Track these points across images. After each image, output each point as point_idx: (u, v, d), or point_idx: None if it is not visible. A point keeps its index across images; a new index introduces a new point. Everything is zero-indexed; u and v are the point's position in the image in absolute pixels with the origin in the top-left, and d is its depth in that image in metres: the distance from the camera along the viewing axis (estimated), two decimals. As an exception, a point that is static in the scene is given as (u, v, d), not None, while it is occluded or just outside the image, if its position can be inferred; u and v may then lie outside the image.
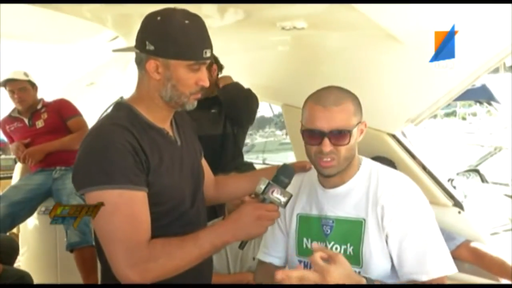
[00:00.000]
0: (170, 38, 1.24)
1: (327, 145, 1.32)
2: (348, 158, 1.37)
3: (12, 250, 2.57)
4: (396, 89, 2.11)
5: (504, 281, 1.90)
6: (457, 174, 4.14)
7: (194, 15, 1.28)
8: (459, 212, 2.15)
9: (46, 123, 3.16)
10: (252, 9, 2.04)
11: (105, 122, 1.31)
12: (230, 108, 2.52)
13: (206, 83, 1.32)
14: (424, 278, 1.29)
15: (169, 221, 1.32)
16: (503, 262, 1.90)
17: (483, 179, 4.75)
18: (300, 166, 1.53)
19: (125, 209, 1.20)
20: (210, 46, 1.30)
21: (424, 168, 2.28)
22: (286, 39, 2.46)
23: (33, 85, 3.22)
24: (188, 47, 1.25)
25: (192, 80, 1.29)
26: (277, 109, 4.99)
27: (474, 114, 16.71)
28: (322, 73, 2.40)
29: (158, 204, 1.28)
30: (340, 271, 1.15)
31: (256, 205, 1.27)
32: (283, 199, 1.27)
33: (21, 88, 3.14)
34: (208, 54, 1.29)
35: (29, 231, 3.22)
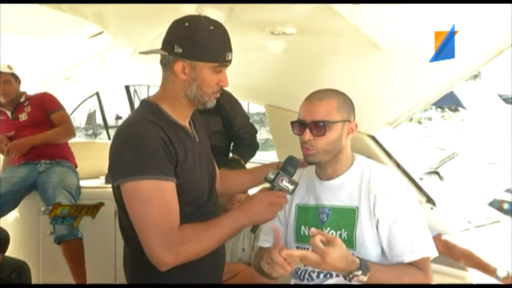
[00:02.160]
0: (198, 42, 1.36)
1: (306, 134, 1.52)
2: (330, 151, 1.54)
3: (3, 240, 2.59)
4: (376, 93, 2.25)
5: (472, 270, 2.09)
6: (424, 174, 4.36)
7: (217, 22, 1.41)
8: (432, 208, 2.33)
9: (30, 116, 3.17)
10: (240, 12, 2.11)
11: (137, 119, 1.42)
12: (228, 111, 2.65)
13: (226, 84, 1.45)
14: (412, 257, 1.47)
15: (190, 211, 1.43)
16: (471, 253, 2.09)
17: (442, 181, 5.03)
18: (301, 162, 1.67)
19: (159, 198, 1.32)
20: (231, 50, 1.42)
21: (399, 166, 2.45)
22: (271, 42, 2.56)
23: (16, 78, 3.23)
24: (213, 50, 1.38)
25: (214, 81, 1.41)
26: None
27: (430, 119, 17.32)
28: (306, 76, 2.50)
29: (181, 195, 1.39)
30: (338, 253, 1.32)
31: (268, 192, 1.42)
32: (291, 187, 1.43)
33: (5, 81, 3.15)
34: (230, 58, 1.41)
35: (10, 224, 3.22)
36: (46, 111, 3.20)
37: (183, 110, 1.47)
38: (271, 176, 1.42)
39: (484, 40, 1.78)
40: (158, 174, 1.32)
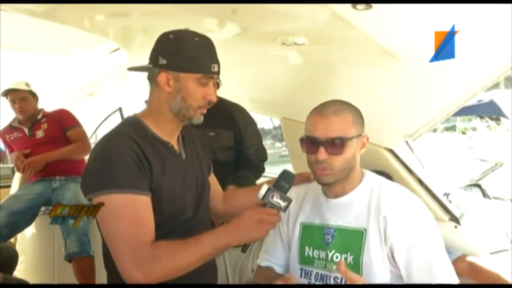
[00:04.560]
0: (181, 52, 1.34)
1: (322, 153, 1.39)
2: (345, 169, 1.42)
3: (11, 259, 2.58)
4: (394, 104, 2.14)
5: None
6: (460, 188, 4.13)
7: (203, 35, 1.39)
8: (456, 227, 2.17)
9: (46, 133, 3.18)
10: (252, 24, 2.07)
11: (112, 133, 1.40)
12: (240, 127, 2.56)
13: (214, 98, 1.40)
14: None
15: (171, 228, 1.38)
16: (499, 277, 1.92)
17: (484, 194, 4.74)
18: (305, 177, 1.57)
19: (130, 212, 1.27)
20: (217, 62, 1.38)
21: (420, 182, 2.30)
22: (285, 53, 2.50)
23: (34, 95, 3.25)
24: (197, 61, 1.34)
25: (200, 94, 1.37)
26: (277, 121, 4.99)
27: (474, 129, 16.77)
28: (321, 88, 2.43)
29: (160, 212, 1.34)
30: None
31: (257, 209, 1.33)
32: (283, 204, 1.33)
33: (22, 98, 3.17)
34: (216, 69, 1.37)
35: (27, 240, 3.23)
36: (62, 127, 3.21)
37: (168, 125, 1.43)
38: (262, 192, 1.33)
39: (504, 46, 1.67)
40: (129, 187, 1.28)
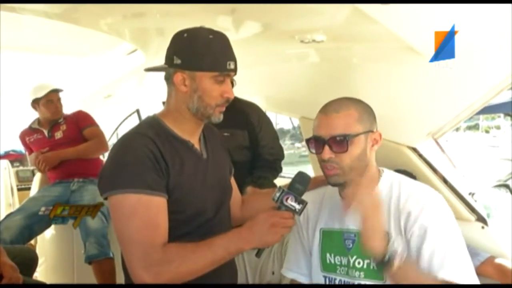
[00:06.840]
0: (196, 51, 1.31)
1: (326, 152, 1.35)
2: (355, 167, 1.37)
3: (31, 261, 2.57)
4: (416, 102, 2.08)
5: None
6: (492, 187, 4.01)
7: (218, 31, 1.35)
8: (483, 227, 2.10)
9: (65, 134, 3.20)
10: (270, 22, 2.04)
11: (130, 132, 1.38)
12: (254, 125, 2.52)
13: (231, 95, 1.37)
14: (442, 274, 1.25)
15: (189, 230, 1.35)
16: (529, 280, 1.84)
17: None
18: (321, 180, 1.53)
19: (142, 212, 1.25)
20: (233, 59, 1.35)
21: (445, 181, 2.23)
22: (304, 51, 2.45)
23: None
24: (211, 59, 1.31)
25: (217, 92, 1.34)
26: (296, 121, 4.96)
27: (498, 127, 16.39)
28: (341, 86, 2.37)
29: (178, 212, 1.32)
30: None
31: (271, 212, 1.28)
32: (297, 206, 1.28)
33: (59, 99, 3.23)
34: (232, 66, 1.34)
35: (47, 242, 3.24)
36: (80, 128, 3.23)
37: (188, 124, 1.41)
38: (276, 195, 1.29)
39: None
40: (143, 188, 1.26)
